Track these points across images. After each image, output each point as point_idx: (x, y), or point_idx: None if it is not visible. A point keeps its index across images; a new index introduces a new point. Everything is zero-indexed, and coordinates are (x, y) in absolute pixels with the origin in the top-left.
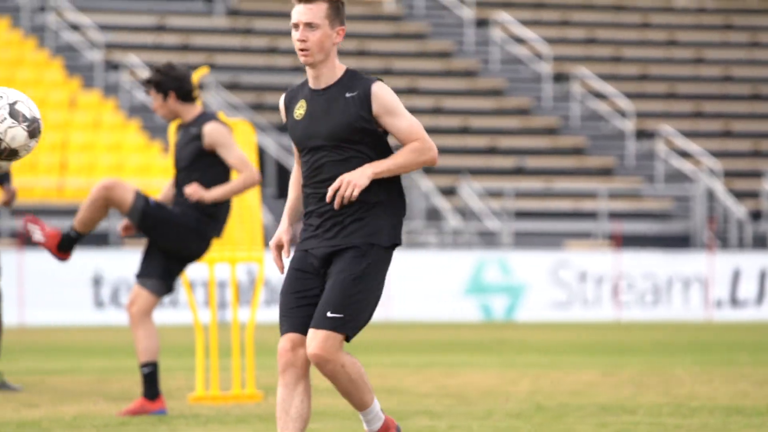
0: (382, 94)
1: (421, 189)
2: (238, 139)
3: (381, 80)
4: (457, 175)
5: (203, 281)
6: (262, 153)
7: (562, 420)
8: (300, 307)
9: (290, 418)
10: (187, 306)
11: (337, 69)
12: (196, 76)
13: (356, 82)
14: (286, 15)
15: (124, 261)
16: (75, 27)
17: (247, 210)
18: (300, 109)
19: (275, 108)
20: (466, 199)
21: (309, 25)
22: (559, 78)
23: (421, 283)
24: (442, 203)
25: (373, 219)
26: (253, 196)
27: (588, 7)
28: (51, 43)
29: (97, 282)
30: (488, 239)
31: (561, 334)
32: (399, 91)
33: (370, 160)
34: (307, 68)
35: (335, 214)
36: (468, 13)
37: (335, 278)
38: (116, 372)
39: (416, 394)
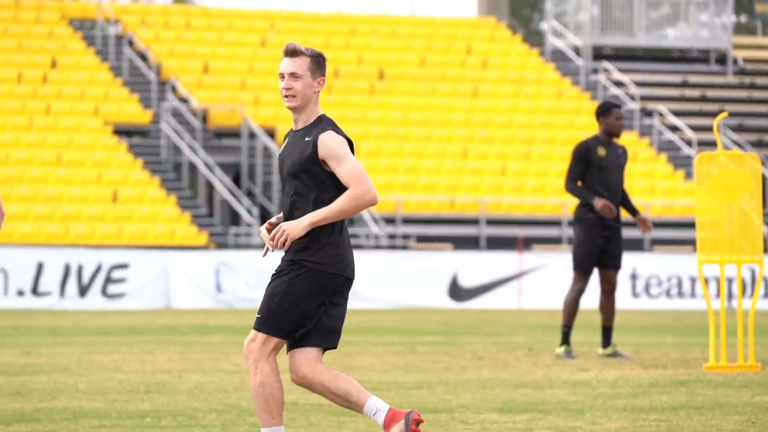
0: (327, 141)
1: None
2: (746, 170)
3: (332, 130)
4: None
5: (715, 277)
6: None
7: None
8: None
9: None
10: (702, 296)
11: (312, 115)
12: (717, 121)
13: (315, 129)
14: None
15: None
16: (619, 84)
17: (751, 224)
18: (282, 146)
19: None
20: None
21: (293, 75)
22: None
23: None
24: None
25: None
26: (757, 213)
27: None
28: (600, 96)
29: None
30: None
31: None
32: None
33: (317, 195)
34: (292, 112)
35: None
36: None
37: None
38: (647, 345)
39: None
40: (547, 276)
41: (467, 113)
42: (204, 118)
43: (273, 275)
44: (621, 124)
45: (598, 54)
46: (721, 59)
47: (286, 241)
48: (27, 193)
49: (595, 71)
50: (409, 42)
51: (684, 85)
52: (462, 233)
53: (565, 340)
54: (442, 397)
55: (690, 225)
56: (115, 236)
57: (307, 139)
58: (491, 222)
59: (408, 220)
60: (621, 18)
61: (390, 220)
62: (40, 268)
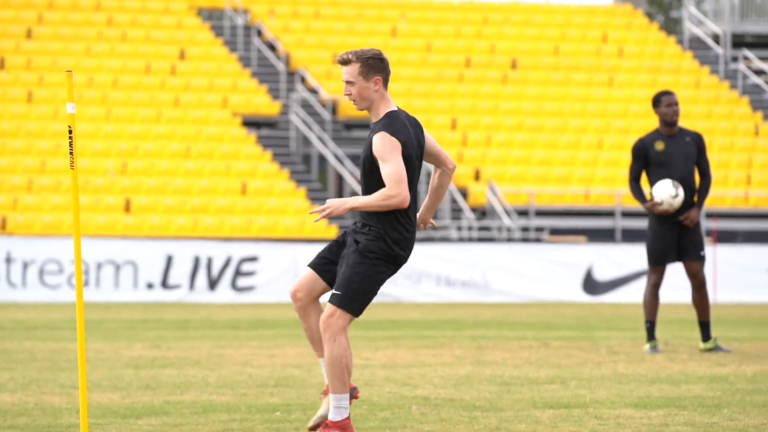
0: (377, 142)
1: None
2: None
3: (386, 131)
4: None
5: None
6: None
7: None
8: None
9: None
10: None
11: (381, 111)
12: None
13: (376, 127)
14: None
15: None
16: (759, 72)
17: None
18: None
19: None
20: None
21: (348, 82)
22: None
23: None
24: None
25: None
26: None
27: None
28: (739, 85)
29: None
30: None
31: None
32: None
33: (379, 186)
34: None
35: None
36: None
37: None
38: None
39: None
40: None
41: (602, 103)
42: (333, 109)
43: (350, 248)
44: (673, 110)
45: (738, 41)
46: None
47: (329, 214)
48: (156, 186)
49: (735, 59)
50: (543, 30)
51: None
52: (597, 225)
53: (651, 335)
54: (576, 392)
55: None
56: (245, 229)
57: (370, 135)
58: (626, 214)
59: (541, 213)
60: (762, 4)
61: (523, 213)
62: (169, 261)
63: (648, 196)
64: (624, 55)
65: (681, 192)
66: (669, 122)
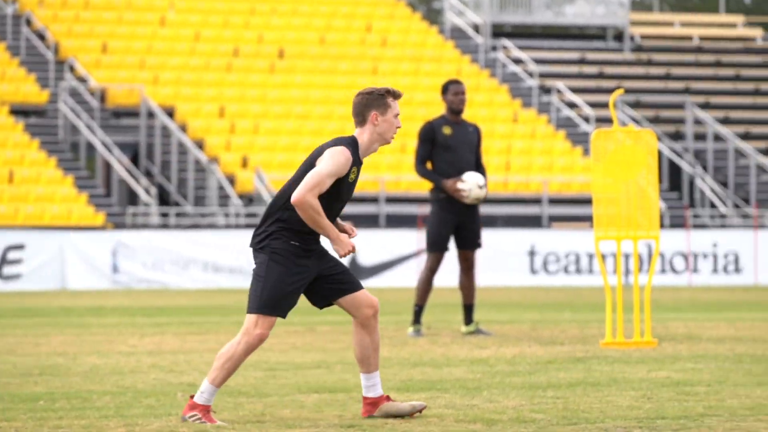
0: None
1: None
2: (643, 145)
3: (338, 147)
4: None
5: (612, 253)
6: (659, 155)
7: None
8: None
9: None
10: (599, 272)
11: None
12: (614, 97)
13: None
14: (679, 50)
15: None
16: (517, 61)
17: (647, 200)
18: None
19: (669, 121)
20: None
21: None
22: None
23: None
24: None
25: None
26: (653, 189)
27: None
28: (499, 73)
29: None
30: None
31: None
32: (765, 108)
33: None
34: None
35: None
36: None
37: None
38: (545, 322)
39: None
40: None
41: None
42: (102, 97)
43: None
44: (460, 99)
45: (498, 32)
46: (619, 36)
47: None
48: None
49: (494, 49)
50: (310, 20)
51: (582, 62)
52: (362, 211)
53: (417, 319)
54: (341, 377)
55: (587, 201)
56: (11, 217)
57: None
58: (391, 200)
59: None
60: None
61: None
62: None
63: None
64: (388, 45)
65: (486, 190)
66: (455, 110)
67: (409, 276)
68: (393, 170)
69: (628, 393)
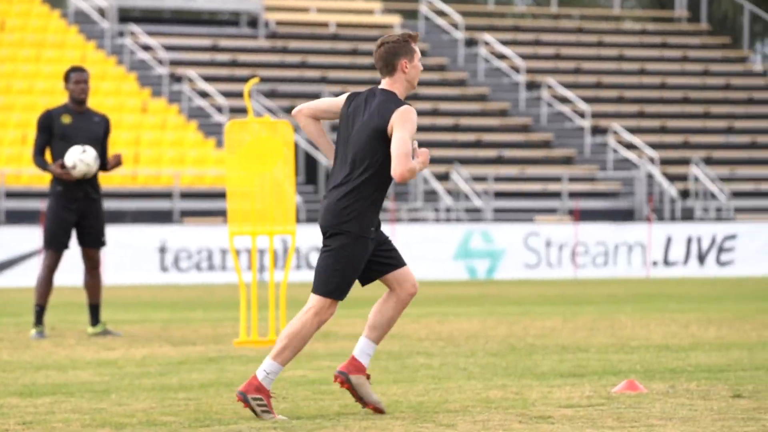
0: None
1: (420, 174)
2: (279, 137)
3: (402, 106)
4: (449, 164)
5: (247, 248)
6: (296, 147)
7: (530, 357)
8: None
9: None
10: (233, 269)
11: None
12: (248, 86)
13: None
14: (315, 37)
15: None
16: (146, 47)
17: (283, 193)
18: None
19: None
20: (457, 182)
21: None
22: (532, 86)
23: (420, 250)
24: (437, 186)
25: None
26: (289, 182)
27: (555, 30)
28: (127, 61)
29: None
30: (474, 215)
31: (531, 289)
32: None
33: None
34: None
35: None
36: (459, 35)
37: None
38: (177, 322)
39: (415, 339)
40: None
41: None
42: None
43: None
44: (81, 88)
45: (125, 16)
46: (253, 22)
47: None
48: None
49: (122, 34)
50: None
51: (214, 49)
52: None
53: (39, 320)
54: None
55: (221, 195)
56: None
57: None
58: (11, 195)
59: None
60: None
61: None
62: None
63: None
64: (6, 29)
65: (89, 149)
66: (77, 99)
67: (31, 275)
68: (13, 163)
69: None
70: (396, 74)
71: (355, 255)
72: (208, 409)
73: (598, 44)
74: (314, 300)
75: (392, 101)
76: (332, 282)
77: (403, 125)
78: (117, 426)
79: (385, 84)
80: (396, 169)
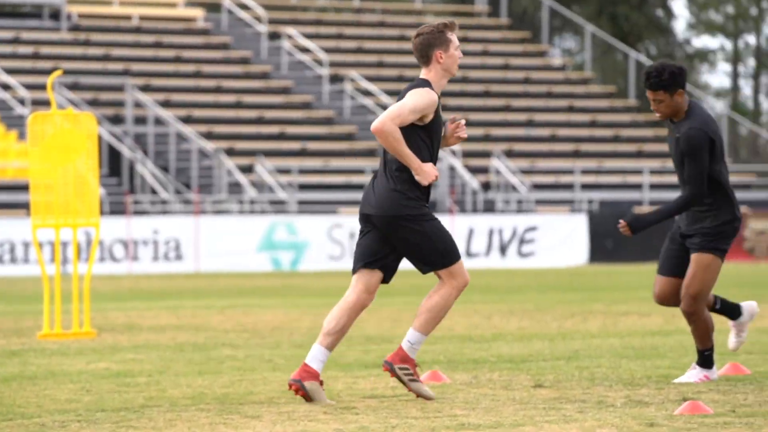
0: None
1: (225, 167)
2: (82, 129)
3: (422, 87)
4: (253, 156)
5: (50, 241)
6: (99, 139)
7: (335, 348)
8: None
9: None
10: (36, 261)
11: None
12: (51, 79)
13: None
14: (118, 30)
15: None
16: None
17: (87, 186)
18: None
19: (108, 103)
20: (261, 174)
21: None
22: (335, 79)
23: (225, 242)
24: (241, 178)
25: None
26: (93, 174)
27: (357, 24)
28: None
29: None
30: (278, 207)
31: (335, 281)
32: (207, 91)
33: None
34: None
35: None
36: (262, 28)
37: None
38: None
39: (220, 330)
40: None
41: None
42: None
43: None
44: None
45: None
46: (55, 15)
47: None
48: None
49: None
50: None
51: (16, 41)
52: None
53: None
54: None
55: (24, 188)
56: None
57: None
58: None
59: None
60: None
61: None
62: None
63: None
64: None
65: None
66: None
67: None
68: None
69: (66, 386)
70: (431, 64)
71: (432, 223)
72: (10, 402)
73: (400, 38)
74: (442, 273)
75: (416, 85)
76: (438, 250)
77: (410, 96)
78: None
79: (422, 73)
80: (376, 121)
